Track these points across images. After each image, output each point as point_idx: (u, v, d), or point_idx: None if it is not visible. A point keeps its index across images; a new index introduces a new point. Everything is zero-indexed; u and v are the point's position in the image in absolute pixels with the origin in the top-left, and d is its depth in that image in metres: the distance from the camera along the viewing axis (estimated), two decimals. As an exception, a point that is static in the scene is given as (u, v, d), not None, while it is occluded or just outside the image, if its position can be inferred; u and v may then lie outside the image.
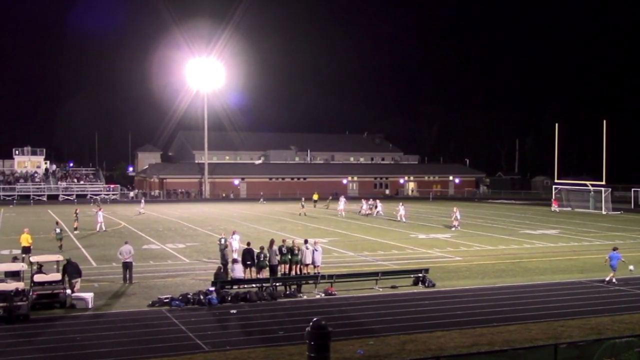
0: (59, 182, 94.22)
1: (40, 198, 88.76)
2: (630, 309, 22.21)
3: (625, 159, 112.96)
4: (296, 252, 27.15)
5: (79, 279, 23.92)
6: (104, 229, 47.72)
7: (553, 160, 73.86)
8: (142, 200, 71.72)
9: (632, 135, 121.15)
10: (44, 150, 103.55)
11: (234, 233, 34.01)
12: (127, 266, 27.04)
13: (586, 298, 23.99)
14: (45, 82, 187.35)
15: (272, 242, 27.28)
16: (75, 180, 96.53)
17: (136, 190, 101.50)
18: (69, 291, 22.76)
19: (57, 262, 24.21)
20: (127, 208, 72.67)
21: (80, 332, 19.13)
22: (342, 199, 65.53)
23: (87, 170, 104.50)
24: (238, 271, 25.65)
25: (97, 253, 35.54)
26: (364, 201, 64.47)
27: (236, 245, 32.03)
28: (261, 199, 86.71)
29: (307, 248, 27.30)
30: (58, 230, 38.05)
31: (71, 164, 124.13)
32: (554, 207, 69.90)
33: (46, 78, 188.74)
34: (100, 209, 50.08)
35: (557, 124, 73.22)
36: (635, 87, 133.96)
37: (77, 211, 50.42)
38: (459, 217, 49.81)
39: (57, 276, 23.08)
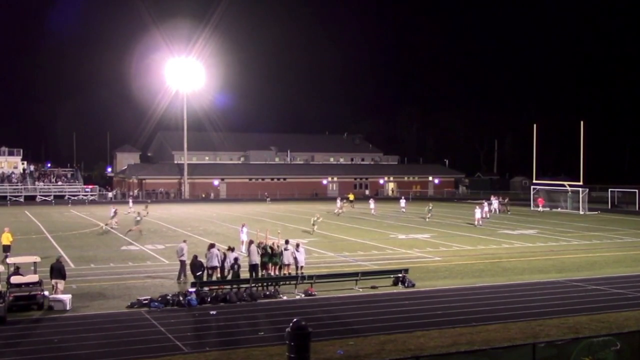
0: (37, 183, 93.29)
1: (17, 199, 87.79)
2: (607, 308, 22.43)
3: (603, 160, 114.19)
4: (276, 252, 27.16)
5: (62, 281, 23.60)
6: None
7: (531, 161, 74.34)
8: (131, 201, 71.39)
9: (609, 136, 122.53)
10: (21, 150, 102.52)
11: (243, 226, 36.57)
12: (181, 264, 27.55)
13: (564, 297, 24.18)
14: (22, 82, 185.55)
15: (251, 242, 27.45)
16: (53, 180, 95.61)
17: (115, 191, 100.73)
18: (46, 292, 22.51)
19: (35, 263, 23.96)
20: (106, 209, 72.07)
21: (58, 334, 18.94)
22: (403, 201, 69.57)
23: (65, 171, 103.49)
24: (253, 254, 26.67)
25: (76, 254, 35.20)
26: (486, 202, 62.37)
27: (245, 237, 34.23)
28: (267, 199, 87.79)
29: (286, 249, 27.29)
30: (138, 219, 45.17)
31: (49, 165, 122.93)
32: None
33: (23, 78, 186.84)
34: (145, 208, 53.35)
35: (535, 125, 73.77)
36: (612, 88, 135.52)
37: (116, 210, 51.65)
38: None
39: (35, 277, 22.81)
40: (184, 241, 29.39)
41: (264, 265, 27.00)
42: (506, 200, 67.93)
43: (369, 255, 35.01)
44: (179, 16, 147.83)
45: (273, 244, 28.09)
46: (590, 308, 22.39)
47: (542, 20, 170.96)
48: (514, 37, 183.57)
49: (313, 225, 46.73)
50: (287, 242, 28.16)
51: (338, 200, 67.09)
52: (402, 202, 69.66)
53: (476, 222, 51.89)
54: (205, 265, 26.30)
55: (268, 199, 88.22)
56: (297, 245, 28.09)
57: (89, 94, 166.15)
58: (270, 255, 27.10)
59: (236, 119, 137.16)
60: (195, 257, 26.45)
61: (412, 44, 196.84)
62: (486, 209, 59.31)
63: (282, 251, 27.32)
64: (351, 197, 77.41)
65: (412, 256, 34.86)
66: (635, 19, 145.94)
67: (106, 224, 49.72)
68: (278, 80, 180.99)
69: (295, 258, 27.31)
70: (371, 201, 67.30)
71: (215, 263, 26.36)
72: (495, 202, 65.00)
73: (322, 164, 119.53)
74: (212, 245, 27.40)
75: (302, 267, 27.51)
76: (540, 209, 70.10)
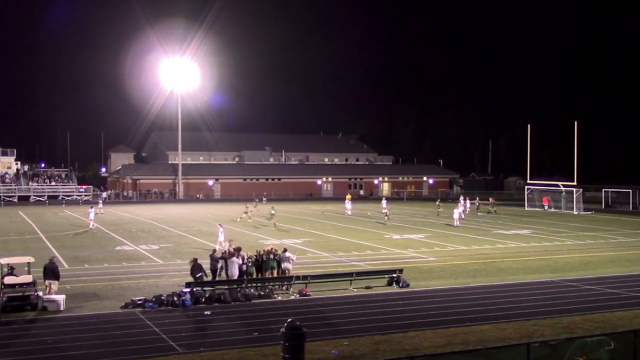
0: (30, 183, 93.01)
1: (11, 199, 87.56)
2: (601, 307, 22.49)
3: (597, 160, 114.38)
4: (271, 257, 26.84)
5: (56, 282, 23.49)
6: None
7: (525, 161, 74.51)
8: (100, 202, 70.36)
9: (603, 137, 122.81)
10: (15, 150, 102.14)
11: (220, 226, 36.26)
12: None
13: (558, 297, 24.24)
14: (16, 82, 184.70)
15: (238, 249, 26.92)
16: (47, 181, 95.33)
17: (109, 191, 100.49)
18: (40, 293, 22.43)
19: (28, 263, 23.89)
20: (106, 209, 71.90)
21: (52, 335, 18.90)
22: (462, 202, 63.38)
23: (59, 171, 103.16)
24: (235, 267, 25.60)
25: (70, 254, 35.10)
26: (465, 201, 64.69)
27: (222, 237, 34.06)
28: (264, 199, 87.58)
29: (286, 257, 26.92)
30: (273, 212, 51.16)
31: (43, 165, 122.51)
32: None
33: (17, 78, 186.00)
34: (250, 210, 56.02)
35: (529, 125, 73.97)
36: (606, 89, 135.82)
37: (248, 207, 56.92)
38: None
39: (28, 278, 22.74)
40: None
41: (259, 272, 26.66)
42: (491, 201, 67.73)
43: (364, 256, 35.02)
44: (173, 16, 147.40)
45: (271, 248, 27.72)
46: (584, 308, 22.46)
47: (536, 21, 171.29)
48: (508, 38, 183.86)
49: (438, 207, 62.20)
50: (285, 250, 27.55)
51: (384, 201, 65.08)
52: (384, 202, 63.71)
53: (455, 223, 51.82)
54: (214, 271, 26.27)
55: (265, 199, 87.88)
56: (284, 250, 27.64)
57: (83, 94, 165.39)
58: (267, 261, 26.74)
59: (231, 119, 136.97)
60: (195, 259, 26.14)
61: (406, 44, 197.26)
62: (461, 209, 59.29)
63: (279, 257, 26.87)
64: (348, 197, 76.95)
65: (407, 256, 34.88)
66: (629, 20, 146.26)
67: (240, 218, 53.63)
68: (272, 81, 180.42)
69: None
70: (347, 201, 66.40)
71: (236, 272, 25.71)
72: (466, 202, 64.75)
73: (316, 164, 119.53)
74: (238, 250, 26.74)
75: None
76: (546, 208, 70.30)
